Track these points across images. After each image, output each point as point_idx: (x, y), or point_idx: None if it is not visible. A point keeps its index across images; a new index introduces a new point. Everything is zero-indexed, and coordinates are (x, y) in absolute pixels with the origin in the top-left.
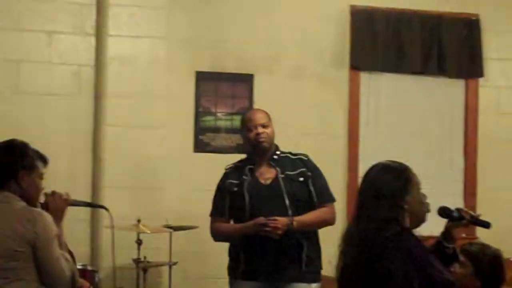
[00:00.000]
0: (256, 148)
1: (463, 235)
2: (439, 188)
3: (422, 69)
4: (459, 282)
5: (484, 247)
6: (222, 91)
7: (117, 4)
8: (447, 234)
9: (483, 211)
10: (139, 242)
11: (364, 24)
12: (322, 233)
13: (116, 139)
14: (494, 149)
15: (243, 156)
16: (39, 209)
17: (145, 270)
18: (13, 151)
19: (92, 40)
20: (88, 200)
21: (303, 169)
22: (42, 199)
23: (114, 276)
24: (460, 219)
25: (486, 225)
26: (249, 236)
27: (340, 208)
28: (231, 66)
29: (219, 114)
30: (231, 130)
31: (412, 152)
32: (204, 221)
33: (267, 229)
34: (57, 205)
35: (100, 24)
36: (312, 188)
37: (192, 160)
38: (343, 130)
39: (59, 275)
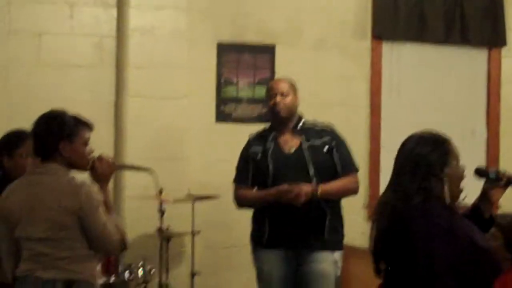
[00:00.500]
0: (273, 117)
1: None
2: (461, 158)
3: (444, 39)
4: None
5: None
6: (244, 62)
7: None
8: (484, 197)
9: None
10: (161, 212)
11: None
12: (345, 202)
13: (138, 110)
14: None
15: (264, 125)
16: (83, 180)
17: (168, 240)
18: (51, 123)
19: (114, 12)
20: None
21: (328, 139)
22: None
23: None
24: (498, 180)
25: None
26: (273, 204)
27: (362, 177)
28: (252, 37)
29: (240, 85)
30: (252, 101)
31: (434, 122)
32: (226, 191)
33: (290, 196)
34: (104, 170)
35: None
36: (336, 158)
37: (214, 130)
38: (365, 100)
39: (107, 241)
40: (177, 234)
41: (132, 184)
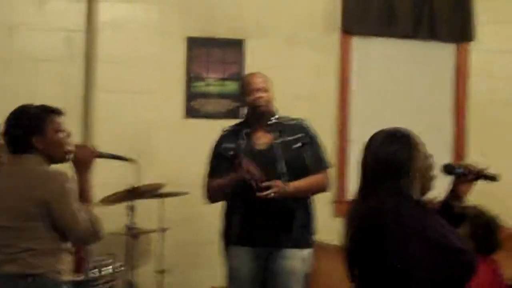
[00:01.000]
0: (254, 112)
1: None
2: (428, 151)
3: (413, 33)
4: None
5: (482, 211)
6: (213, 57)
7: None
8: (453, 192)
9: None
10: (131, 208)
11: None
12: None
13: (107, 104)
14: (483, 113)
15: (234, 121)
16: (57, 169)
17: (136, 237)
18: (19, 120)
19: (84, 5)
20: None
21: (301, 135)
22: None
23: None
24: (465, 175)
25: (494, 178)
26: (243, 201)
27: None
28: (222, 32)
29: (210, 80)
30: (222, 96)
31: (402, 116)
32: (195, 187)
33: (251, 176)
34: (85, 157)
35: None
36: (308, 154)
37: (183, 125)
38: (334, 94)
39: (78, 229)
40: (145, 231)
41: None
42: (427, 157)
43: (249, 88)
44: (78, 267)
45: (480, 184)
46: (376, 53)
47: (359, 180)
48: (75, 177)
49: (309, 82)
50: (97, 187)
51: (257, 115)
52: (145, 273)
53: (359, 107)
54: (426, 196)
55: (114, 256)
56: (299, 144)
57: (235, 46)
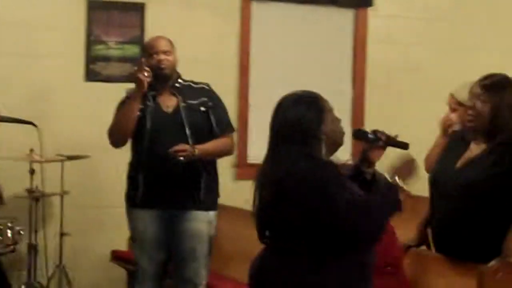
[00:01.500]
0: (157, 74)
1: None
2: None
3: None
4: None
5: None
6: (114, 20)
7: None
8: (364, 158)
9: None
10: (31, 172)
11: None
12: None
13: (5, 69)
14: (382, 78)
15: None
16: None
17: (37, 200)
18: None
19: None
20: None
21: (205, 99)
22: None
23: None
24: (377, 141)
25: (404, 146)
26: (149, 162)
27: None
28: None
29: (110, 43)
30: (122, 59)
31: (301, 81)
32: (95, 151)
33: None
34: None
35: None
36: (212, 118)
37: (84, 89)
38: (235, 59)
39: None
40: (47, 194)
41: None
42: (335, 120)
43: (152, 51)
44: None
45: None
46: (276, 18)
47: (268, 143)
48: None
49: (210, 46)
50: None
51: (160, 78)
52: (47, 236)
53: (260, 72)
54: (338, 159)
55: (16, 219)
56: (203, 108)
57: (136, 10)
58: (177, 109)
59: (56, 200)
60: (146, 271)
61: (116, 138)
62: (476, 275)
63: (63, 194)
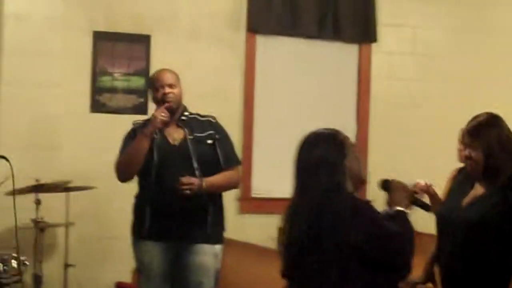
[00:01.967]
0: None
1: None
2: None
3: (317, 34)
4: None
5: None
6: (119, 52)
7: None
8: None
9: (374, 173)
10: (37, 202)
11: None
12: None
13: (11, 98)
14: (384, 114)
15: (140, 117)
16: None
17: (42, 230)
18: None
19: None
20: None
21: (212, 132)
22: None
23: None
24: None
25: (427, 208)
26: (156, 194)
27: None
28: (128, 27)
29: (116, 75)
30: (127, 91)
31: (306, 116)
32: (101, 182)
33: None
34: None
35: None
36: (219, 151)
37: (89, 120)
38: (239, 92)
39: None
40: (51, 225)
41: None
42: (355, 153)
43: (157, 84)
44: None
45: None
46: (281, 52)
47: (294, 181)
48: None
49: (214, 79)
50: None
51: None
52: (51, 267)
53: (264, 105)
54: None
55: (20, 250)
56: (210, 141)
57: (141, 41)
58: (184, 142)
59: (61, 231)
60: None
61: (124, 173)
62: None
63: (68, 225)
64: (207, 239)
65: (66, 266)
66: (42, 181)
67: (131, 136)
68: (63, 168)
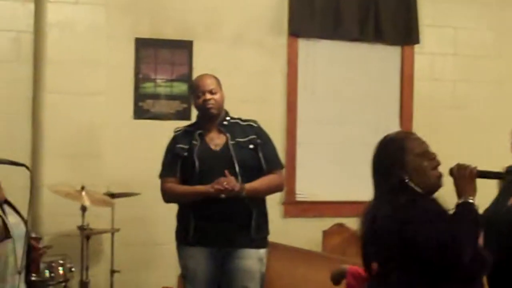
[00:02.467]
0: (204, 114)
1: None
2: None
3: (359, 36)
4: None
5: None
6: (162, 58)
7: None
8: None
9: None
10: (83, 209)
11: None
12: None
13: (55, 106)
14: (428, 115)
15: (182, 122)
16: None
17: (88, 237)
18: None
19: (32, 6)
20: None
21: (253, 136)
22: None
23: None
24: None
25: (498, 176)
26: (199, 202)
27: None
28: (170, 33)
29: (158, 81)
30: (170, 97)
31: (349, 118)
32: (145, 188)
33: (220, 188)
34: None
35: None
36: (261, 155)
37: (132, 127)
38: (282, 96)
39: None
40: (97, 231)
41: (52, 180)
42: (420, 158)
43: (198, 90)
44: (31, 268)
45: None
46: (322, 56)
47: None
48: None
49: (256, 84)
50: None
51: (207, 117)
52: (97, 273)
53: (307, 109)
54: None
55: (67, 256)
56: (252, 145)
57: (183, 47)
58: (226, 147)
59: (106, 237)
60: None
61: (169, 202)
62: None
63: (113, 231)
64: (251, 244)
65: (112, 272)
66: (87, 188)
67: (173, 146)
68: (107, 175)
